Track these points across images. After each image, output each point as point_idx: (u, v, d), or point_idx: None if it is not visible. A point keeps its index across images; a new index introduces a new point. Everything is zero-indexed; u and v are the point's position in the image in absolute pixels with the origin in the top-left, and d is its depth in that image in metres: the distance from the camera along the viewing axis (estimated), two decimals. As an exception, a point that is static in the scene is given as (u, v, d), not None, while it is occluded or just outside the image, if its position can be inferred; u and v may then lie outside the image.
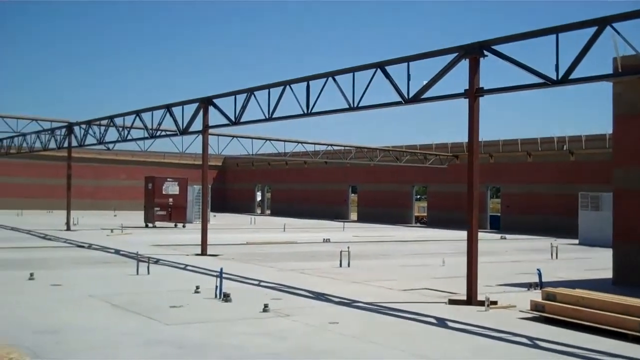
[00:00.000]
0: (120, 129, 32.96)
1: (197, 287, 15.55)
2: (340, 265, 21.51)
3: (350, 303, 14.65)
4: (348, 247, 22.85)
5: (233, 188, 77.29)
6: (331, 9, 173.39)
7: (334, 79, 19.00)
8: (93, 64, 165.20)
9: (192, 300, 14.43)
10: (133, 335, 10.90)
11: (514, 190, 49.37)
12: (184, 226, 43.43)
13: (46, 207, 63.01)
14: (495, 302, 14.29)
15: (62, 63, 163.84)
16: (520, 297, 15.24)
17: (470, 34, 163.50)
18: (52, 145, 41.90)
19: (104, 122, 34.48)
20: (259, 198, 77.67)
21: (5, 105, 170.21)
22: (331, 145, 53.64)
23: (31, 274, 17.28)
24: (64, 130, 40.02)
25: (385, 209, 58.29)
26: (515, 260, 25.61)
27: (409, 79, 16.49)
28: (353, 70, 18.30)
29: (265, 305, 13.22)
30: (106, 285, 16.66)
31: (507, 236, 39.53)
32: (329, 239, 33.27)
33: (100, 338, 10.72)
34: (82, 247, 27.55)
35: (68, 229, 37.34)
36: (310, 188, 66.59)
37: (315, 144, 52.82)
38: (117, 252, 25.43)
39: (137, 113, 30.32)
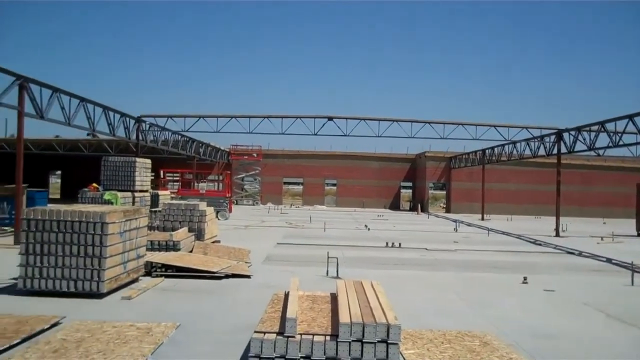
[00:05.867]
0: (612, 134, 32.07)
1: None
2: None
3: None
4: None
5: None
6: None
7: None
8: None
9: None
10: (632, 346, 10.51)
11: None
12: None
13: (533, 212, 64.25)
14: None
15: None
16: None
17: None
18: (541, 152, 42.71)
19: (594, 127, 33.92)
20: None
21: (498, 116, 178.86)
22: None
23: (524, 278, 17.88)
24: (552, 137, 40.48)
25: None
26: None
27: None
28: None
29: None
30: (599, 294, 16.36)
31: None
32: None
33: (596, 348, 10.57)
34: (572, 253, 27.41)
35: (557, 235, 37.54)
36: None
37: None
38: (608, 260, 24.74)
39: (630, 117, 29.14)
